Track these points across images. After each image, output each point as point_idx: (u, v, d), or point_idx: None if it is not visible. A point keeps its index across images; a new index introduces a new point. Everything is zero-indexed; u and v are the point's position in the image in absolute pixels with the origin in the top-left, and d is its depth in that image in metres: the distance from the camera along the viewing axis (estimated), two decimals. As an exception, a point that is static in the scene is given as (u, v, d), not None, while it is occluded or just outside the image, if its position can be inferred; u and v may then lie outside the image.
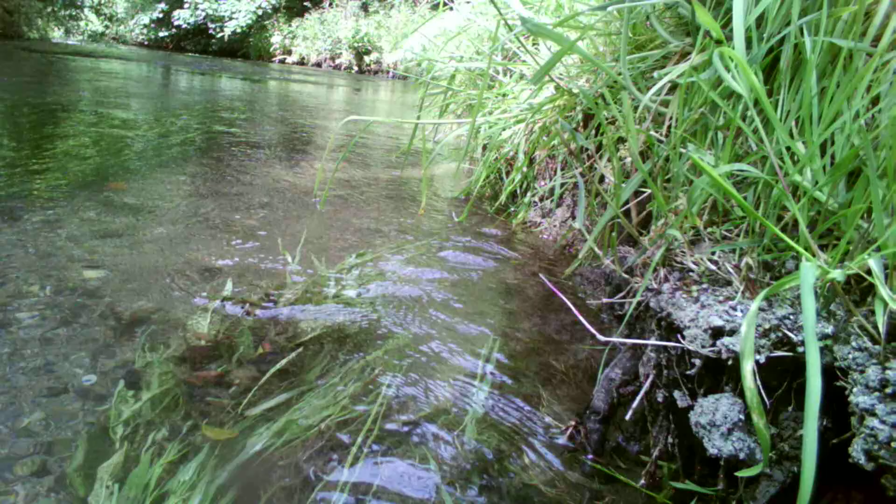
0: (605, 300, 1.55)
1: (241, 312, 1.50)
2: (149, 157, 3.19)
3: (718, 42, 0.94)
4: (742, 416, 0.84)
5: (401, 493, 0.97)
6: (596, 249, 1.60)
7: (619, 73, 1.31)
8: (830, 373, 0.78)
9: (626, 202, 1.56)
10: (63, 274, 1.61)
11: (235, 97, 7.14)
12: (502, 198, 2.57)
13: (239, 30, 22.11)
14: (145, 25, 26.23)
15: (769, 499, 0.87)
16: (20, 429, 1.02)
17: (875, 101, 0.94)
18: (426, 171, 1.98)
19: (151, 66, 11.61)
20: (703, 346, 0.89)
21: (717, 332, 0.88)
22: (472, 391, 1.27)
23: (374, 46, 18.40)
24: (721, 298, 0.93)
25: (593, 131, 1.86)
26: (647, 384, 1.07)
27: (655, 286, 1.07)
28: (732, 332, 0.86)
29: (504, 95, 2.36)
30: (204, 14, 22.94)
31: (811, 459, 0.59)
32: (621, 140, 1.74)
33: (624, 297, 1.32)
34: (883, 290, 0.72)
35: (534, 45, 2.25)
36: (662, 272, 1.09)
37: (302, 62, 20.87)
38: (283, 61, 21.30)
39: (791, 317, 0.83)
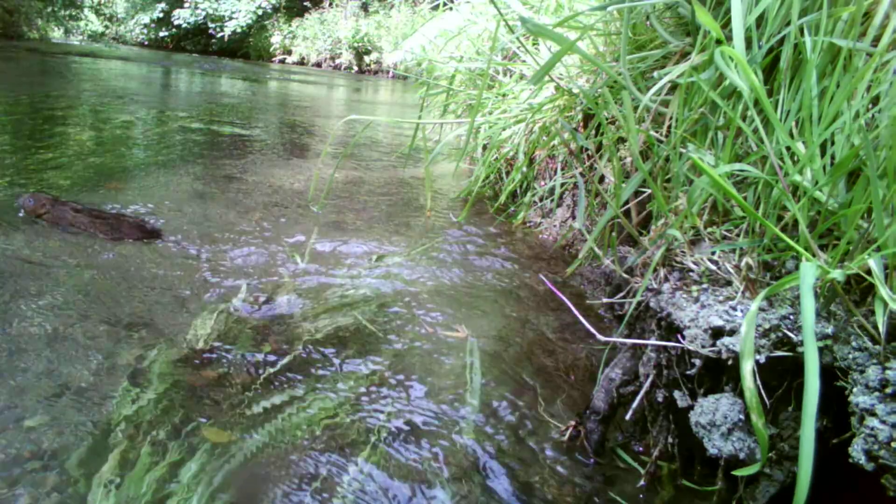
0: (605, 300, 1.55)
1: (243, 313, 1.50)
2: (149, 157, 3.19)
3: (718, 42, 0.94)
4: (742, 416, 0.84)
5: (401, 492, 0.97)
6: (596, 249, 1.60)
7: (619, 73, 1.31)
8: (831, 373, 0.78)
9: (626, 202, 1.55)
10: (63, 275, 1.61)
11: (235, 97, 7.15)
12: (502, 198, 2.57)
13: (239, 30, 22.11)
14: (145, 25, 26.24)
15: (769, 498, 0.87)
16: (22, 429, 1.02)
17: (875, 101, 0.94)
18: (429, 171, 1.98)
19: (151, 66, 11.61)
20: (703, 346, 0.89)
21: (717, 332, 0.88)
22: (472, 391, 1.27)
23: (374, 46, 18.39)
24: (721, 298, 0.93)
25: (593, 131, 1.86)
26: (647, 384, 1.07)
27: (655, 286, 1.07)
28: (732, 332, 0.86)
29: (504, 95, 2.36)
30: (204, 14, 22.94)
31: (808, 459, 0.60)
32: (621, 140, 1.74)
33: (624, 297, 1.32)
34: (883, 290, 0.72)
35: (534, 45, 2.25)
36: (662, 272, 1.08)
37: (302, 62, 20.85)
38: (283, 61, 21.29)
39: (791, 317, 0.83)
